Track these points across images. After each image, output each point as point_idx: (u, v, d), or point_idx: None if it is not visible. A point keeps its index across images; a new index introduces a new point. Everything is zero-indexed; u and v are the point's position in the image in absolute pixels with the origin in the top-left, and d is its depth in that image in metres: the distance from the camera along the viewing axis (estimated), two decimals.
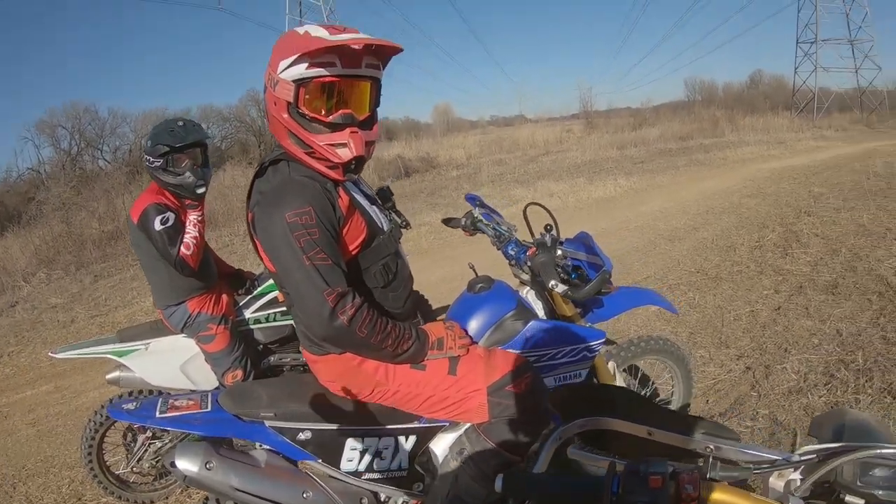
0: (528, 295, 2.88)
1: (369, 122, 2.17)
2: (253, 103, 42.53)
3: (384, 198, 2.83)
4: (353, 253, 2.21)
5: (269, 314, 3.87)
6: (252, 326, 3.86)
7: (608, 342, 2.86)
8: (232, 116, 44.46)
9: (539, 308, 2.84)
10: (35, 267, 12.80)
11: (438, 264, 8.39)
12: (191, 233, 3.49)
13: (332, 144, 2.08)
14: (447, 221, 3.46)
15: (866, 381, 4.11)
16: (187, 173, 3.50)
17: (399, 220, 2.79)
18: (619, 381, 2.99)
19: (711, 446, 1.08)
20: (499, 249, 3.09)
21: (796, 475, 1.06)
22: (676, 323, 5.63)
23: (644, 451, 1.15)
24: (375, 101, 2.18)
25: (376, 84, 2.15)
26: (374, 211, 2.36)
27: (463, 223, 3.31)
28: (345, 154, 2.10)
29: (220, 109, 44.58)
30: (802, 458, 1.02)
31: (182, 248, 3.42)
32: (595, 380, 2.91)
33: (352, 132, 2.09)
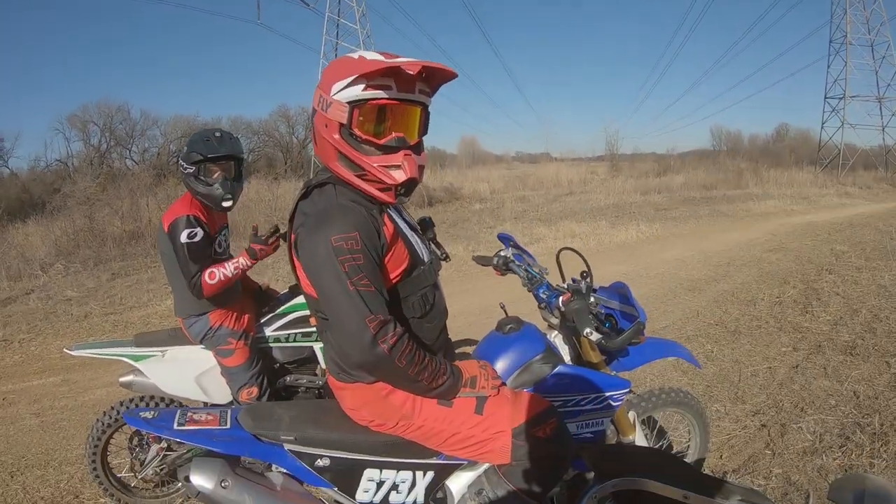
0: (556, 339, 2.85)
1: (418, 149, 2.19)
2: (283, 119, 43.03)
3: (425, 228, 2.86)
4: (394, 281, 2.20)
5: (289, 334, 3.84)
6: (271, 345, 3.84)
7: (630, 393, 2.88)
8: (261, 130, 44.98)
9: (566, 353, 2.83)
10: (53, 258, 13.01)
11: (457, 297, 8.33)
12: (227, 269, 3.47)
13: (385, 166, 2.09)
14: (479, 259, 3.42)
15: (881, 446, 4.08)
16: (217, 185, 3.51)
17: (439, 252, 2.81)
18: (638, 432, 2.96)
19: None
20: (529, 291, 3.05)
21: None
22: (693, 375, 5.58)
23: None
24: (424, 128, 2.21)
25: (426, 111, 2.18)
26: (415, 240, 2.36)
27: (495, 262, 3.28)
28: (399, 176, 2.11)
29: (250, 122, 45.20)
30: None
31: (206, 275, 3.42)
32: (615, 429, 2.89)
33: (405, 155, 2.11)
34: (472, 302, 8.36)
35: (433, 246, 2.70)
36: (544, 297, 2.94)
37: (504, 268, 3.26)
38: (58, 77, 71.80)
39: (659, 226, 16.30)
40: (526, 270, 3.12)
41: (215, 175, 3.54)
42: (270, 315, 3.88)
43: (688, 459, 3.51)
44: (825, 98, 45.44)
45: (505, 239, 3.41)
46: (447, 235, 15.38)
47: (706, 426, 3.52)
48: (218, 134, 3.61)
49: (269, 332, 3.84)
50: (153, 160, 35.87)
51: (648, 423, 3.45)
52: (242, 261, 3.53)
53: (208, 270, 3.44)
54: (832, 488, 1.16)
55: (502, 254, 3.28)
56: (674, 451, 3.64)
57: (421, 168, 2.19)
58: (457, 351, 2.81)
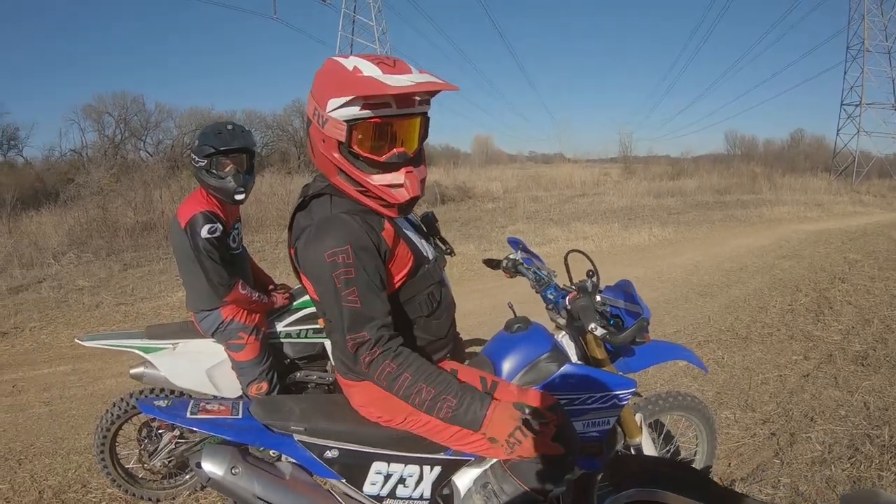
0: (563, 339, 2.87)
1: (419, 157, 2.18)
2: (297, 114, 42.81)
3: (429, 224, 2.84)
4: (399, 283, 2.20)
5: (301, 330, 3.85)
6: (283, 340, 3.85)
7: (636, 394, 2.89)
8: (275, 125, 44.81)
9: (573, 353, 2.85)
10: (66, 247, 13.11)
11: (468, 297, 8.36)
12: (257, 295, 3.62)
13: (388, 185, 2.08)
14: (489, 263, 3.44)
15: (891, 458, 4.07)
16: (229, 178, 3.50)
17: (444, 247, 2.80)
18: (645, 435, 2.99)
19: None
20: (538, 293, 3.07)
21: None
22: (703, 381, 5.57)
23: None
24: (424, 135, 2.18)
25: (425, 118, 2.14)
26: (418, 239, 2.36)
27: (504, 265, 3.30)
28: (401, 195, 2.10)
29: (265, 116, 44.92)
30: None
31: (240, 285, 3.51)
32: (621, 431, 2.92)
33: (407, 172, 2.10)
34: (483, 302, 8.35)
35: (437, 242, 2.67)
36: (552, 297, 2.97)
37: (513, 270, 3.28)
38: (73, 69, 72.42)
39: (672, 230, 16.25)
40: (534, 273, 3.13)
41: (227, 168, 3.53)
42: (282, 311, 3.88)
43: (695, 466, 3.51)
44: (841, 105, 45.17)
45: (514, 243, 3.44)
46: (459, 234, 15.39)
47: (714, 433, 3.51)
48: (230, 127, 3.60)
49: (280, 327, 3.84)
50: (167, 152, 35.91)
51: (656, 426, 3.47)
52: (279, 298, 3.78)
53: (241, 281, 3.51)
54: (843, 502, 1.15)
55: (511, 257, 3.29)
56: (681, 456, 3.63)
57: (422, 182, 2.18)
58: (467, 350, 2.84)
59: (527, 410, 2.08)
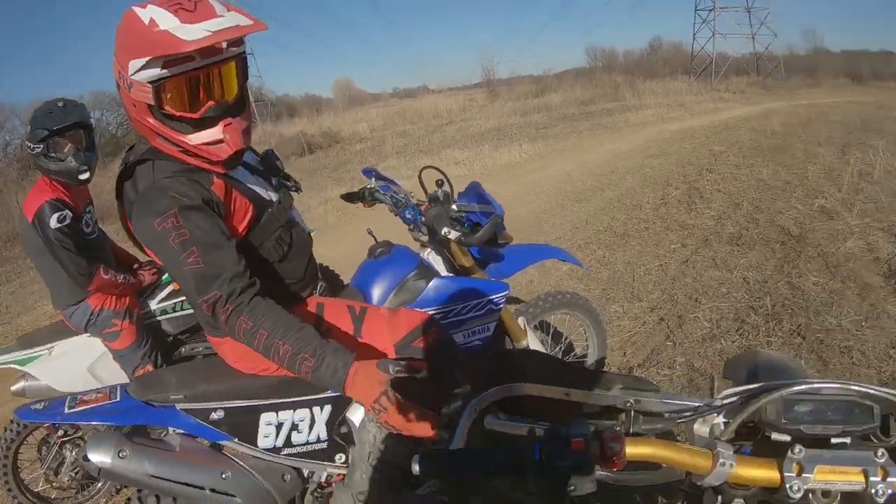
0: (430, 256, 2.91)
1: (241, 104, 2.03)
2: None
3: (269, 164, 2.65)
4: (243, 234, 2.09)
5: (176, 303, 3.67)
6: (160, 318, 3.66)
7: (518, 301, 2.82)
8: None
9: (441, 267, 2.88)
10: None
11: (346, 238, 8.19)
12: (121, 277, 3.41)
13: (207, 144, 1.94)
14: (346, 197, 3.40)
15: (776, 325, 4.29)
16: (70, 158, 3.24)
17: (289, 184, 2.62)
18: (532, 338, 3.02)
19: (631, 400, 1.04)
20: (397, 216, 3.08)
21: (720, 419, 1.03)
22: (589, 281, 5.69)
23: (563, 413, 1.11)
24: (244, 77, 2.02)
25: (241, 59, 1.98)
26: (259, 183, 2.25)
27: (360, 195, 3.27)
28: (223, 151, 1.97)
29: (115, 95, 42.79)
30: (724, 402, 1.00)
31: (101, 269, 3.29)
32: (507, 338, 2.96)
33: (226, 125, 1.95)
34: (362, 243, 8.07)
35: (281, 180, 2.50)
36: (410, 217, 2.97)
37: (371, 199, 3.26)
38: None
39: (541, 144, 16.39)
40: (391, 197, 3.14)
41: (66, 148, 3.25)
42: (153, 287, 3.70)
43: (588, 359, 3.57)
44: (696, 10, 47.02)
45: (368, 172, 3.41)
46: (330, 179, 15.09)
47: (601, 325, 3.57)
48: (60, 104, 3.31)
49: (154, 305, 3.66)
50: (17, 153, 33.70)
51: (544, 328, 3.49)
52: (138, 279, 3.57)
53: (103, 266, 3.32)
54: (727, 367, 1.19)
55: (367, 186, 3.28)
56: (574, 353, 3.73)
57: (246, 132, 2.04)
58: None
59: (391, 368, 1.89)
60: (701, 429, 1.03)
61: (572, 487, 0.84)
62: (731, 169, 9.80)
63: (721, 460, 0.88)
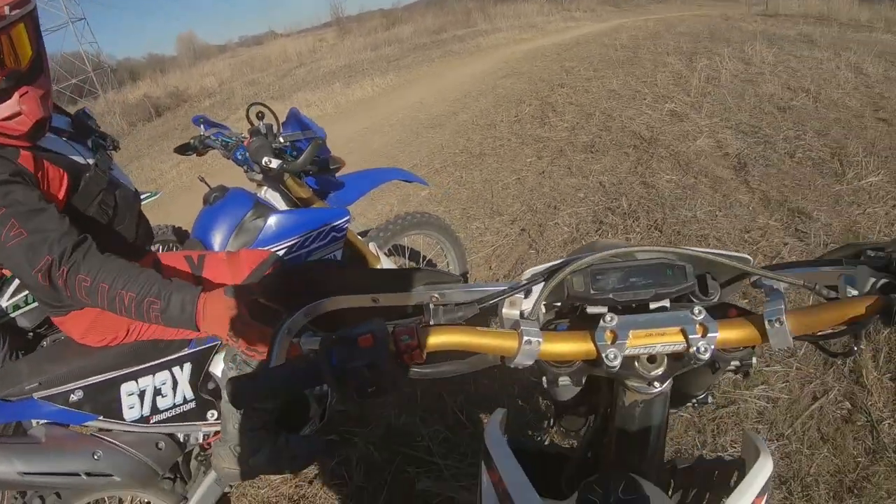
0: (267, 194, 2.88)
1: (37, 66, 1.83)
2: None
3: (81, 126, 2.41)
4: (63, 203, 1.94)
5: (26, 295, 3.38)
6: (13, 315, 3.36)
7: (370, 231, 3.00)
8: None
9: (281, 203, 2.85)
10: None
11: (198, 201, 7.79)
12: None
13: (5, 119, 1.76)
14: (179, 149, 3.27)
15: (633, 222, 4.42)
16: None
17: (105, 143, 2.38)
18: (385, 263, 3.03)
19: (436, 294, 1.00)
20: (229, 159, 3.01)
21: (530, 301, 0.99)
22: (448, 202, 5.72)
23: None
24: (36, 39, 1.82)
25: (30, 18, 1.77)
26: (72, 148, 2.07)
27: (191, 144, 3.15)
28: (23, 124, 1.79)
29: None
30: (527, 281, 0.97)
31: None
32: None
33: (21, 95, 1.77)
34: None
35: (98, 140, 2.29)
36: (241, 157, 2.90)
37: (203, 146, 3.16)
38: None
39: (393, 76, 16.25)
40: (222, 142, 3.05)
41: None
42: None
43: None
44: None
45: (196, 120, 3.31)
46: (181, 140, 14.22)
47: (456, 240, 3.60)
48: None
49: (4, 302, 3.37)
50: None
51: (400, 251, 3.57)
52: None
53: None
54: (568, 257, 1.06)
55: (199, 135, 3.17)
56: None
57: (44, 99, 1.85)
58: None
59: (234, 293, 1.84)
60: (510, 312, 0.99)
61: (372, 388, 0.81)
62: (583, 82, 9.92)
63: (526, 338, 0.83)
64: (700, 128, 6.44)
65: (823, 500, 2.28)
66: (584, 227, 4.55)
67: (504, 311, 0.98)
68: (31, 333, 3.43)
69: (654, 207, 4.65)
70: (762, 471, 0.95)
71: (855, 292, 0.89)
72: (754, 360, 0.88)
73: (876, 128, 5.63)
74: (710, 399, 1.12)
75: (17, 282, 3.37)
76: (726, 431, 2.62)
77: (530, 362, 0.86)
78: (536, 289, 0.96)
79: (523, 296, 0.98)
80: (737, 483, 1.00)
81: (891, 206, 4.17)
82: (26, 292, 3.37)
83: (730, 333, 0.83)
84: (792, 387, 2.79)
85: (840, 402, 2.68)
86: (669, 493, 1.10)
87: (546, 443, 2.00)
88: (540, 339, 0.83)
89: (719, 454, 2.47)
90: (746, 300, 3.19)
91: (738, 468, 1.06)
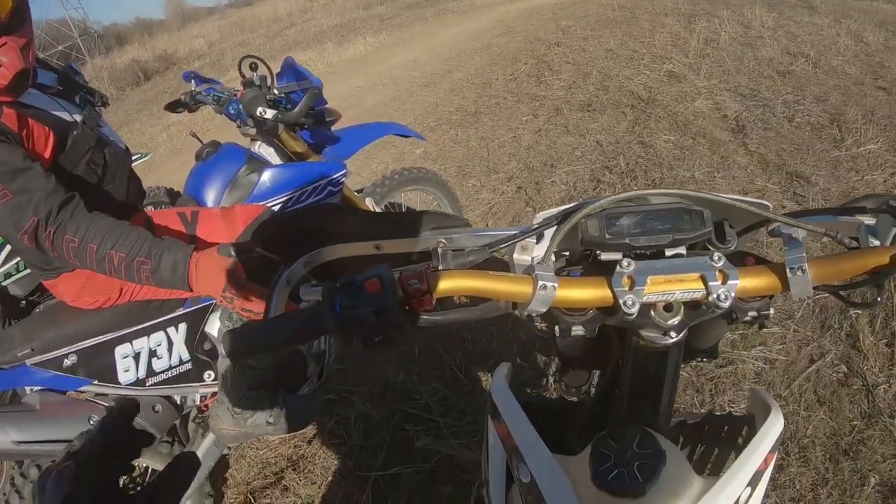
0: (260, 148, 2.85)
1: (17, 16, 1.76)
2: None
3: (68, 82, 2.36)
4: (50, 161, 1.89)
5: (18, 262, 3.34)
6: (5, 283, 3.31)
7: (365, 187, 3.00)
8: None
9: (275, 157, 2.84)
10: None
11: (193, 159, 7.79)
12: None
13: None
14: (169, 106, 3.20)
15: (631, 181, 4.42)
16: None
17: (93, 99, 2.33)
18: None
19: (443, 240, 0.99)
20: (222, 114, 2.94)
21: (542, 246, 0.96)
22: (444, 160, 5.71)
23: None
24: None
25: None
26: (58, 105, 2.03)
27: (183, 100, 3.08)
28: (2, 76, 1.73)
29: None
30: (539, 225, 0.93)
31: None
32: None
33: (1, 46, 1.72)
34: None
35: (86, 96, 2.27)
36: (234, 112, 2.85)
37: (194, 102, 3.09)
38: None
39: (386, 35, 16.05)
40: (214, 97, 3.00)
41: None
42: None
43: None
44: None
45: (186, 76, 3.25)
46: None
47: (453, 195, 3.62)
48: None
49: None
50: None
51: (395, 208, 3.51)
52: None
53: None
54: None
55: (190, 91, 3.12)
56: None
57: (25, 50, 1.79)
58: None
59: (233, 251, 1.77)
60: (521, 257, 0.95)
61: (379, 337, 0.77)
62: (579, 42, 9.77)
63: (541, 283, 0.79)
64: (698, 89, 6.37)
65: (820, 462, 2.30)
66: (582, 186, 4.54)
67: (515, 256, 0.95)
68: (24, 301, 3.36)
69: (652, 167, 4.64)
70: (773, 427, 0.93)
71: (876, 242, 0.86)
72: (772, 310, 0.85)
73: (875, 96, 5.58)
74: (717, 353, 1.10)
75: (7, 248, 3.33)
76: (724, 391, 2.63)
77: (544, 309, 0.83)
78: (548, 233, 0.92)
79: (535, 241, 0.94)
80: (746, 439, 0.98)
81: (889, 174, 4.15)
82: (18, 259, 3.33)
83: (750, 281, 0.80)
84: (789, 348, 2.80)
85: (837, 366, 2.70)
86: (678, 447, 1.05)
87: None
88: (555, 285, 0.80)
89: (729, 410, 2.49)
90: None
91: (749, 424, 1.04)
